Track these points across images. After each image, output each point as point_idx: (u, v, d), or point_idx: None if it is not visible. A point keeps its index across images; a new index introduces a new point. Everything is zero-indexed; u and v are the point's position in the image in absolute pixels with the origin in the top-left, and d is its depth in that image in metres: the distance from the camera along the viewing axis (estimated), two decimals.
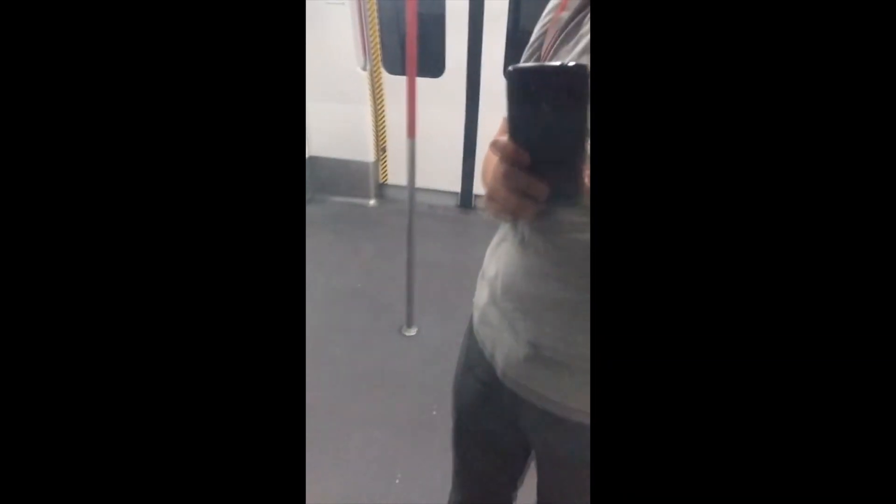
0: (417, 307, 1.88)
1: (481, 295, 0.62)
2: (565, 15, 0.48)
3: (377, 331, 1.91)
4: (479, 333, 0.63)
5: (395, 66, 2.57)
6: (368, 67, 2.56)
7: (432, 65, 2.46)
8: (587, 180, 0.37)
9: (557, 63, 0.41)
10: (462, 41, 2.39)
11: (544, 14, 0.53)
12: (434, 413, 1.55)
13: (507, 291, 0.54)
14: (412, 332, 1.89)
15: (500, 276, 0.56)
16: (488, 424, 0.68)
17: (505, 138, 0.37)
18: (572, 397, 0.52)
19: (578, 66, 0.35)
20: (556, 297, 0.49)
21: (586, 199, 0.38)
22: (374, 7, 2.42)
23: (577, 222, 0.45)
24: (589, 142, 0.35)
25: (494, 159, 0.41)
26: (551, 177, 0.38)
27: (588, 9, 0.46)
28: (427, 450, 1.42)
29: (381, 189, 2.98)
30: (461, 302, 2.06)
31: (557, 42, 0.48)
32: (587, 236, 0.41)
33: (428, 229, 2.56)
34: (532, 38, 0.53)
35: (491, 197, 0.42)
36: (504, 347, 0.57)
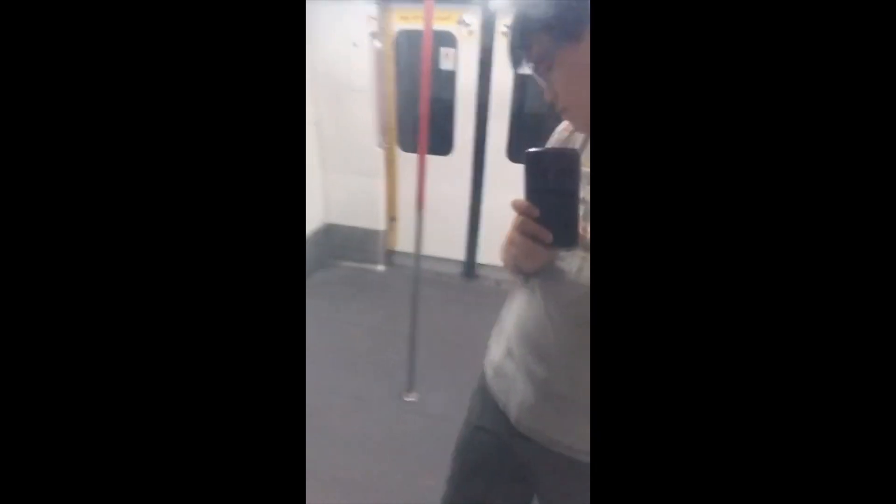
0: (419, 373, 1.89)
1: (495, 351, 0.67)
2: (564, 135, 0.63)
3: (377, 395, 1.91)
4: (492, 388, 0.67)
5: (409, 144, 2.80)
6: (384, 145, 2.79)
7: (442, 144, 2.68)
8: (583, 231, 0.50)
9: (558, 148, 0.60)
10: (470, 123, 2.62)
11: (556, 133, 0.66)
12: (431, 483, 1.51)
13: (522, 339, 0.61)
14: (413, 397, 1.89)
15: (514, 328, 0.63)
16: (496, 479, 0.69)
17: (522, 199, 0.51)
18: (585, 440, 0.56)
19: (573, 150, 0.50)
20: (565, 340, 0.56)
21: (584, 247, 0.52)
22: (393, 93, 2.69)
23: (578, 268, 0.54)
24: (581, 202, 0.50)
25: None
26: (554, 226, 0.50)
27: (587, 145, 0.59)
28: None
29: (390, 256, 3.10)
30: (462, 369, 2.05)
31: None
32: (587, 280, 0.52)
33: (432, 296, 2.61)
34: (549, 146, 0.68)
35: (509, 243, 0.54)
36: (518, 395, 0.61)
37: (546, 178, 0.49)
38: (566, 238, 0.50)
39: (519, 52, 0.53)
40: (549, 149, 0.59)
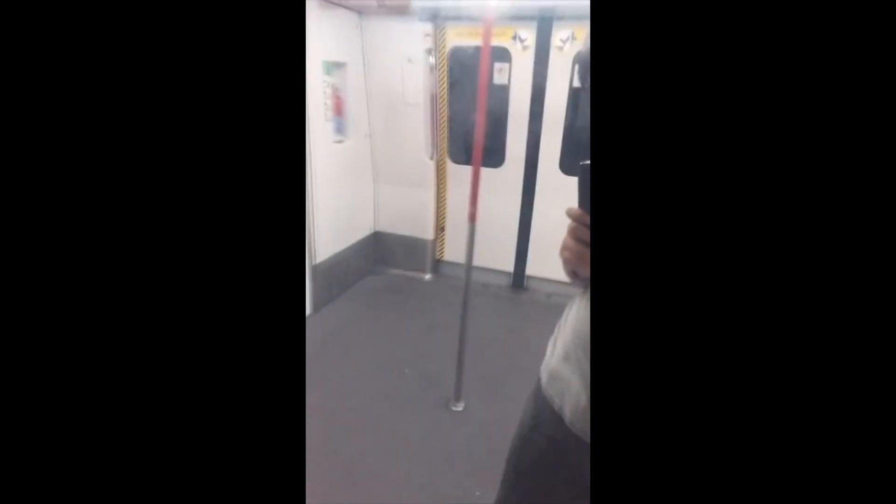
0: (465, 382, 1.89)
1: (552, 356, 0.69)
2: None
3: (425, 403, 1.92)
4: (547, 391, 0.69)
5: (459, 156, 2.85)
6: (436, 157, 2.85)
7: (494, 157, 2.71)
8: None
9: None
10: (522, 136, 2.63)
11: None
12: (478, 493, 1.51)
13: (578, 342, 0.63)
14: (460, 406, 1.90)
15: (572, 333, 0.64)
16: (550, 480, 0.71)
17: (575, 207, 0.54)
18: None
19: None
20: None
21: None
22: (445, 107, 2.75)
23: None
24: None
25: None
26: None
27: None
28: None
29: (437, 265, 3.14)
30: (509, 379, 2.05)
31: None
32: None
33: (480, 306, 2.62)
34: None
35: (565, 246, 0.57)
36: (572, 397, 0.63)
37: None
38: None
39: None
40: None
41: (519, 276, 2.95)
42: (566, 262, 0.58)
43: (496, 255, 2.90)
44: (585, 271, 0.57)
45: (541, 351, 0.73)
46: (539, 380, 0.73)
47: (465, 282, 1.76)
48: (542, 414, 0.70)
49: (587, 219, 0.52)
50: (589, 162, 0.51)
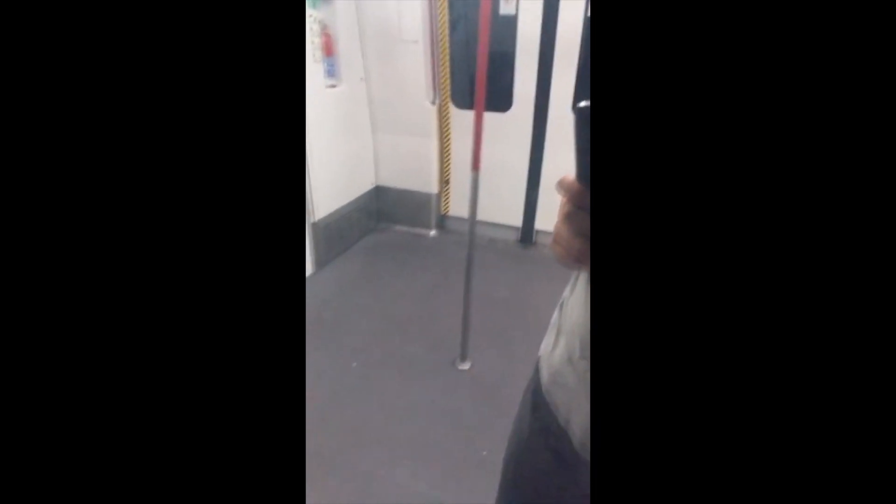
0: (472, 341, 1.83)
1: (554, 350, 0.56)
2: None
3: (430, 362, 1.87)
4: (550, 394, 0.56)
5: (464, 100, 2.63)
6: (437, 102, 2.64)
7: (500, 100, 2.49)
8: None
9: None
10: (532, 77, 2.40)
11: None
12: (484, 454, 1.47)
13: (586, 348, 0.49)
14: (466, 365, 1.84)
15: (576, 331, 0.50)
16: (556, 497, 0.60)
17: (571, 178, 0.34)
18: None
19: None
20: None
21: None
22: (446, 45, 2.51)
23: None
24: None
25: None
26: None
27: None
28: (474, 491, 1.34)
29: (443, 220, 3.01)
30: (517, 337, 1.99)
31: None
32: None
33: (487, 263, 2.52)
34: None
35: (556, 239, 0.39)
36: (582, 415, 0.50)
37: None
38: None
39: None
40: None
41: (527, 231, 2.80)
42: (559, 259, 0.40)
43: (503, 208, 2.75)
44: (585, 267, 0.40)
45: (550, 309, 0.60)
46: (538, 373, 0.60)
47: (469, 236, 1.64)
48: (545, 422, 0.57)
49: (587, 198, 0.34)
50: (589, 103, 0.31)
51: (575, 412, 0.51)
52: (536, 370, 0.60)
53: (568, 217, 0.36)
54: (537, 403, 0.59)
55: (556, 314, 0.58)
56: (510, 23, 2.32)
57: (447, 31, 2.48)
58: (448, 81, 2.60)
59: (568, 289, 0.56)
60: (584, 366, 0.49)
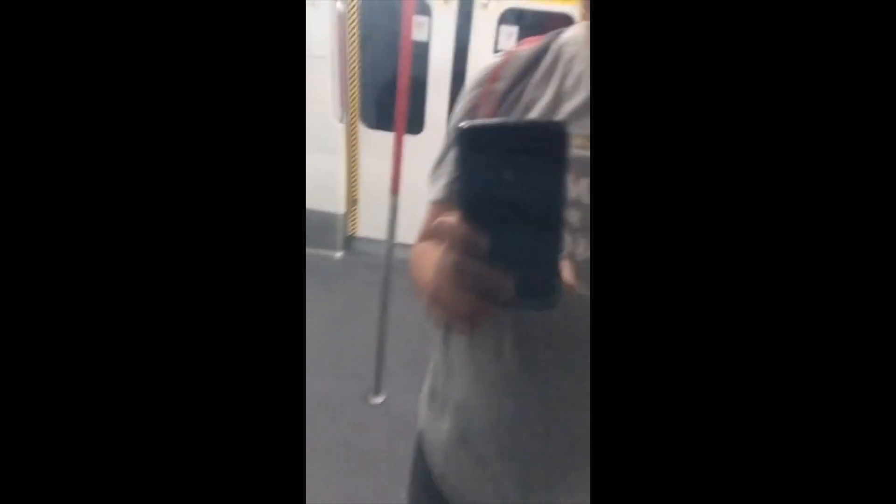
0: (386, 372, 1.74)
1: (440, 423, 0.48)
2: (500, 85, 0.44)
3: (340, 397, 1.73)
4: (443, 477, 0.48)
5: (373, 120, 2.58)
6: (346, 120, 2.54)
7: (413, 122, 2.47)
8: (568, 272, 0.28)
9: (529, 119, 0.37)
10: (443, 100, 2.43)
11: (470, 88, 0.47)
12: (402, 497, 1.37)
13: (488, 434, 0.42)
14: (380, 399, 1.73)
15: (472, 407, 0.44)
16: None
17: (452, 219, 0.27)
18: None
19: (556, 124, 0.29)
20: (570, 441, 0.39)
21: (571, 298, 0.28)
22: (356, 62, 2.44)
23: (574, 318, 0.34)
24: (566, 219, 0.28)
25: (431, 251, 0.32)
26: (518, 269, 0.27)
27: (528, 78, 0.42)
28: None
29: (350, 242, 2.88)
30: None
31: (498, 115, 0.43)
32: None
33: (402, 286, 2.45)
34: (457, 116, 0.48)
35: (434, 299, 0.30)
36: None
37: (500, 176, 0.26)
38: (539, 286, 0.27)
39: None
40: (507, 121, 0.33)
41: None
42: (439, 318, 0.32)
43: (415, 230, 2.72)
44: (470, 328, 0.31)
45: None
46: (421, 455, 0.51)
47: (386, 261, 1.58)
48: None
49: (482, 242, 0.26)
50: (476, 122, 0.27)
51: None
52: (419, 453, 0.51)
53: (455, 269, 0.27)
54: (428, 491, 0.50)
55: (429, 378, 0.52)
56: (422, 48, 2.34)
57: (357, 49, 2.42)
58: (357, 100, 2.53)
59: (438, 354, 0.50)
60: (486, 452, 0.43)
